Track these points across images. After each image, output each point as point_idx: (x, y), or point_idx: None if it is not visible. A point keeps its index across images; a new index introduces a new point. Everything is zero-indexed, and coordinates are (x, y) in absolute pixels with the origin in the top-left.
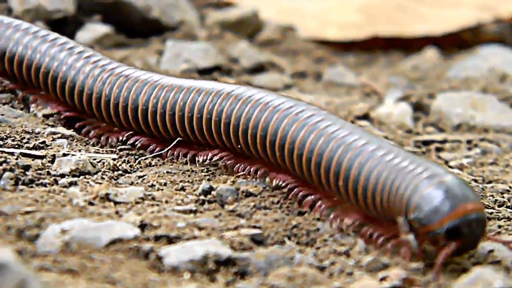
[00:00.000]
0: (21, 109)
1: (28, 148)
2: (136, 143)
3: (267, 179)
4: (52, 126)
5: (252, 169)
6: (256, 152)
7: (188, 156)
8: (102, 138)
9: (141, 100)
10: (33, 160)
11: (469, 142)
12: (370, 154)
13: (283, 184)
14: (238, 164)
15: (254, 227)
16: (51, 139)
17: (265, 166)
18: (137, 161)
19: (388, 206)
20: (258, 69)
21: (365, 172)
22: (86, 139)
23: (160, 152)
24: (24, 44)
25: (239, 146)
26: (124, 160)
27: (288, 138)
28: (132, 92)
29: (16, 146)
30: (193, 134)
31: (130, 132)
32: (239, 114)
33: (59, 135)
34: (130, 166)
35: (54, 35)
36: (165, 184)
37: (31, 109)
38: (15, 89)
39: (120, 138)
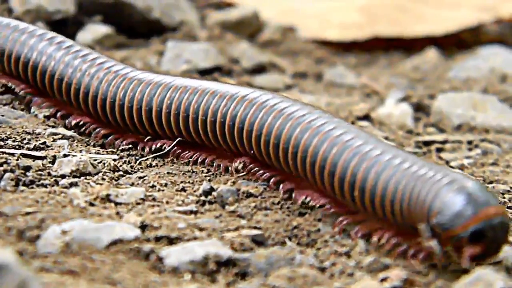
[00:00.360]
0: (22, 110)
1: (28, 149)
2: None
3: (280, 188)
4: (53, 126)
5: (265, 175)
6: (268, 158)
7: (216, 163)
8: (117, 142)
9: (155, 102)
10: (33, 161)
11: (469, 142)
12: (387, 163)
13: (301, 196)
14: (260, 170)
15: (255, 227)
16: (51, 139)
17: (279, 173)
18: (137, 161)
19: (408, 213)
20: (259, 69)
21: (382, 181)
22: (87, 139)
23: (160, 153)
24: (39, 50)
25: (252, 151)
26: (125, 161)
27: (300, 146)
28: (146, 94)
29: (17, 147)
30: (206, 136)
31: (146, 137)
32: (253, 120)
33: (60, 135)
34: (131, 167)
35: (69, 42)
36: (165, 185)
37: (32, 110)
38: (31, 94)
39: (149, 147)
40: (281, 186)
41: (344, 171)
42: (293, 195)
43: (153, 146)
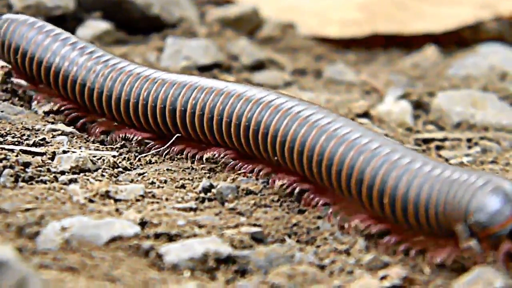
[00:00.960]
0: (21, 105)
1: (28, 145)
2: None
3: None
4: (52, 123)
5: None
6: (292, 165)
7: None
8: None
9: (179, 103)
10: (33, 157)
11: (469, 140)
12: (418, 170)
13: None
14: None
15: (254, 225)
16: (51, 136)
17: (300, 179)
18: (137, 158)
19: (444, 217)
20: (258, 66)
21: (415, 188)
22: (86, 136)
23: (159, 149)
24: (61, 55)
25: (275, 157)
26: (124, 157)
27: (326, 153)
28: (170, 94)
29: (16, 143)
30: (229, 138)
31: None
32: (278, 126)
33: (59, 132)
34: (130, 163)
35: (92, 47)
36: (165, 182)
37: (33, 106)
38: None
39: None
40: (319, 201)
41: (372, 179)
42: (347, 222)
43: (206, 155)
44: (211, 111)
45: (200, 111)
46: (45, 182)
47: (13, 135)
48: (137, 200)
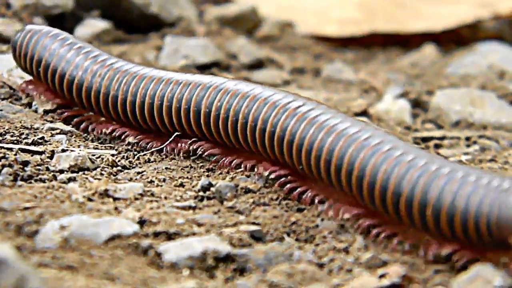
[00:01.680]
0: (21, 104)
1: (27, 143)
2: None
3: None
4: (51, 121)
5: (309, 193)
6: (318, 174)
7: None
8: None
9: (204, 104)
10: (32, 155)
11: (467, 139)
12: (462, 180)
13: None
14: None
15: (253, 223)
16: (50, 134)
17: (325, 192)
18: (136, 157)
19: (496, 227)
20: (257, 65)
21: (462, 199)
22: (85, 135)
23: (157, 148)
24: (84, 68)
25: (300, 166)
26: (123, 156)
27: (356, 164)
28: (195, 96)
29: (15, 141)
30: (254, 143)
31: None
32: (304, 134)
33: (58, 130)
34: (129, 162)
35: (113, 59)
36: (164, 180)
37: (34, 103)
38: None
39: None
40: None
41: (412, 190)
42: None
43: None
44: (235, 114)
45: (225, 114)
46: (44, 181)
47: (12, 133)
48: (136, 199)
